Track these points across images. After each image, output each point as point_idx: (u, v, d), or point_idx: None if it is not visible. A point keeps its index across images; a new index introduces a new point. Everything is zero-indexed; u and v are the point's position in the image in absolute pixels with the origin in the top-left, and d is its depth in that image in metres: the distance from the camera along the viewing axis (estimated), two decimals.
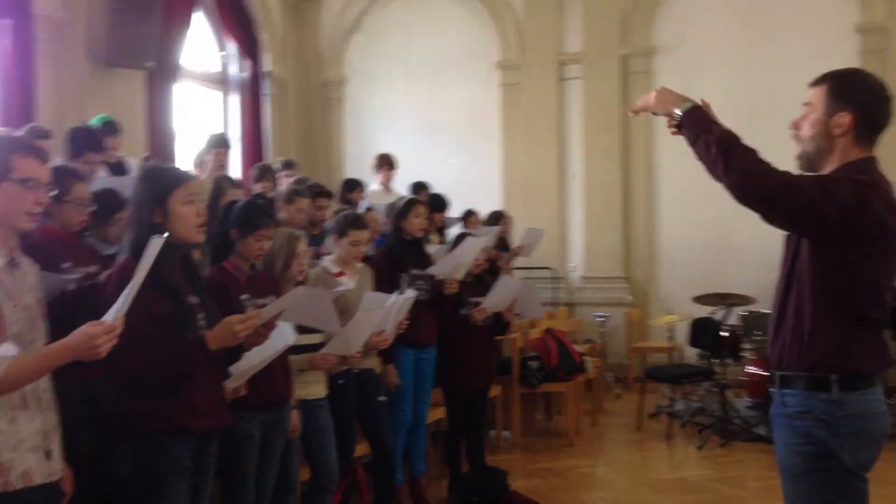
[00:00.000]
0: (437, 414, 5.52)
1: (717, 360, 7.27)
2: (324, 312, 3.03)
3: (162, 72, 8.46)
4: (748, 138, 9.24)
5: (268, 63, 10.30)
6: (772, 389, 2.61)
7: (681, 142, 9.67)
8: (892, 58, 8.48)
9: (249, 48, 10.00)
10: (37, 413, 2.45)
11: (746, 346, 7.53)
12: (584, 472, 6.09)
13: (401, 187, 8.33)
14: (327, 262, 4.49)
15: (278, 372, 3.56)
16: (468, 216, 7.55)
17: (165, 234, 2.45)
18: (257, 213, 3.66)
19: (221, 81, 10.25)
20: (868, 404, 2.43)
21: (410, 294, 4.28)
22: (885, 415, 2.48)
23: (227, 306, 3.14)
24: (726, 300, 7.49)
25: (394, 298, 4.20)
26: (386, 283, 4.72)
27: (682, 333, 8.09)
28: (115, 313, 2.32)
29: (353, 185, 7.33)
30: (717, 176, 2.45)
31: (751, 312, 7.61)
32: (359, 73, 10.77)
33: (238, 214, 3.65)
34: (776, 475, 5.83)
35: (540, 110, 9.80)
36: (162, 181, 2.90)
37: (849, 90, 2.51)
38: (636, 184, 9.49)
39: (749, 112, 8.99)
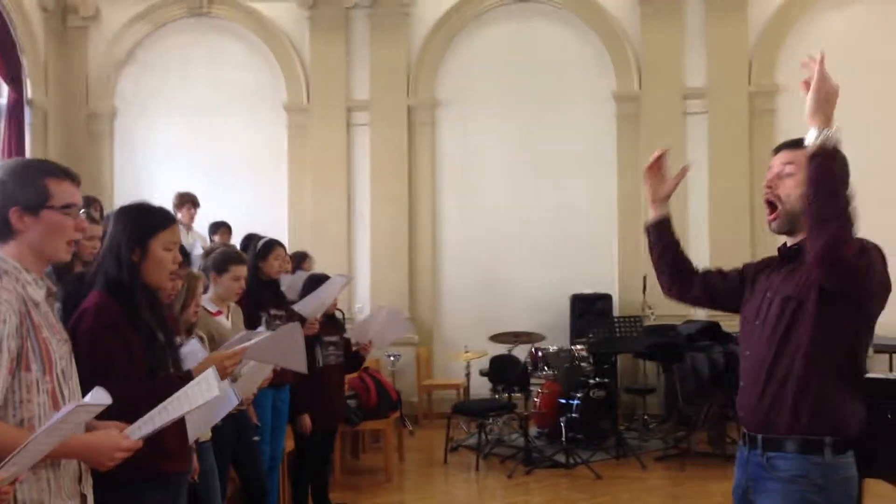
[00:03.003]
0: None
1: (512, 395, 7.85)
2: (296, 352, 3.04)
3: None
4: (521, 189, 10.09)
5: (29, 90, 9.59)
6: (749, 450, 2.59)
7: (464, 191, 10.39)
8: (643, 122, 9.69)
9: (9, 73, 9.28)
10: None
11: (534, 380, 8.16)
12: None
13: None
14: (205, 301, 4.37)
15: None
16: (303, 258, 7.54)
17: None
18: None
19: None
20: (852, 468, 2.47)
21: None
22: (854, 477, 2.50)
23: None
24: (520, 338, 8.10)
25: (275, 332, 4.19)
26: (248, 322, 4.70)
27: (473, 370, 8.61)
28: (138, 433, 2.25)
29: None
30: (826, 220, 2.32)
31: (537, 349, 8.25)
32: (132, 106, 10.30)
33: None
34: (589, 497, 6.41)
35: (328, 154, 9.97)
36: (148, 221, 2.80)
37: None
38: (421, 228, 9.93)
39: (523, 164, 9.89)
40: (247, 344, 2.80)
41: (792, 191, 2.57)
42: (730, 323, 8.52)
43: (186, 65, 10.21)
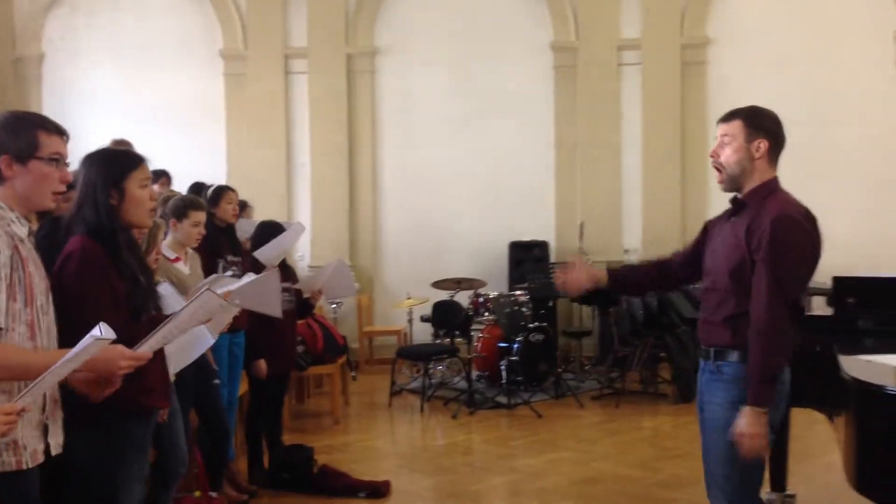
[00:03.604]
0: None
1: (454, 339, 8.08)
2: (273, 297, 3.15)
3: None
4: (460, 138, 10.16)
5: None
6: (704, 361, 3.12)
7: (403, 140, 10.37)
8: (580, 73, 9.87)
9: None
10: None
11: (475, 325, 8.36)
12: (367, 446, 6.49)
13: None
14: (163, 247, 4.40)
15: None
16: (244, 207, 7.51)
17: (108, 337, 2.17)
18: None
19: None
20: (785, 375, 2.98)
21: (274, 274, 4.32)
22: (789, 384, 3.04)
23: None
24: (461, 284, 8.30)
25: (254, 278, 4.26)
26: (205, 269, 4.76)
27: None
28: (147, 347, 2.35)
29: None
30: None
31: (478, 294, 8.45)
32: (60, 51, 10.04)
33: None
34: (530, 434, 6.68)
35: (266, 102, 9.90)
36: (119, 163, 2.86)
37: (760, 122, 3.02)
38: (362, 177, 9.98)
39: (462, 113, 9.99)
40: (231, 288, 2.89)
41: (730, 157, 3.03)
42: None
43: (116, 8, 9.97)
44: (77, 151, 8.90)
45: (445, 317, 8.06)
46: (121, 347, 2.39)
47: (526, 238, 9.68)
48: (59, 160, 2.42)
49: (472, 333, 8.32)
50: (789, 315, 2.91)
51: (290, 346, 5.55)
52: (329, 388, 7.96)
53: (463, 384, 7.98)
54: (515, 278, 9.35)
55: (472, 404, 7.45)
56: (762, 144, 3.00)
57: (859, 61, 9.71)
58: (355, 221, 9.99)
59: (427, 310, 8.62)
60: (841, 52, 9.70)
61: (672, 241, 9.69)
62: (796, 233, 2.91)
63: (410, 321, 8.65)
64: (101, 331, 2.05)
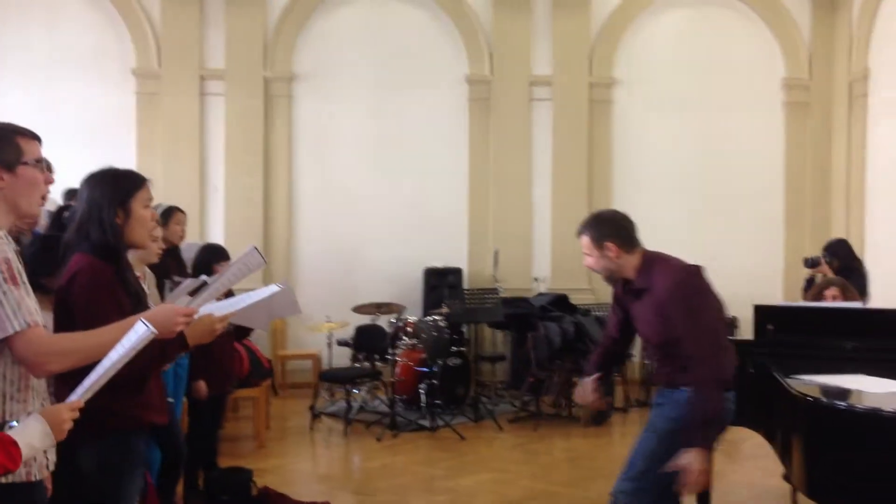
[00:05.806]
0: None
1: (375, 363, 8.17)
2: (263, 313, 3.18)
3: None
4: (376, 165, 10.31)
5: None
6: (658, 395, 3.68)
7: (320, 164, 10.53)
8: (493, 106, 10.19)
9: None
10: (38, 403, 2.43)
11: (396, 349, 8.44)
12: (297, 469, 6.48)
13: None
14: None
15: None
16: None
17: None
18: None
19: None
20: (725, 401, 3.46)
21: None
22: (731, 410, 3.56)
23: None
24: (381, 308, 8.40)
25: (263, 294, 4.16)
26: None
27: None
28: (196, 304, 2.40)
29: None
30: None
31: (398, 318, 8.55)
32: None
33: None
34: (456, 455, 6.84)
35: (180, 123, 9.77)
36: (123, 183, 2.87)
37: (599, 230, 3.56)
38: (277, 200, 9.97)
39: (379, 141, 10.15)
40: (234, 310, 2.92)
41: (595, 265, 3.61)
42: (576, 296, 9.23)
43: (25, 21, 9.67)
44: None
45: (368, 340, 8.14)
46: (172, 306, 2.49)
47: (440, 264, 9.87)
48: (41, 163, 2.43)
49: (389, 358, 8.39)
50: (721, 348, 3.44)
51: (227, 366, 5.53)
52: (247, 411, 7.93)
53: (382, 407, 8.06)
54: (429, 304, 9.51)
55: (394, 427, 7.53)
56: (611, 246, 3.52)
57: (750, 104, 10.43)
58: (270, 245, 9.93)
59: (345, 333, 8.67)
60: (734, 94, 10.39)
61: (579, 271, 10.11)
62: (687, 285, 3.44)
63: (330, 345, 8.66)
64: (148, 325, 2.13)
